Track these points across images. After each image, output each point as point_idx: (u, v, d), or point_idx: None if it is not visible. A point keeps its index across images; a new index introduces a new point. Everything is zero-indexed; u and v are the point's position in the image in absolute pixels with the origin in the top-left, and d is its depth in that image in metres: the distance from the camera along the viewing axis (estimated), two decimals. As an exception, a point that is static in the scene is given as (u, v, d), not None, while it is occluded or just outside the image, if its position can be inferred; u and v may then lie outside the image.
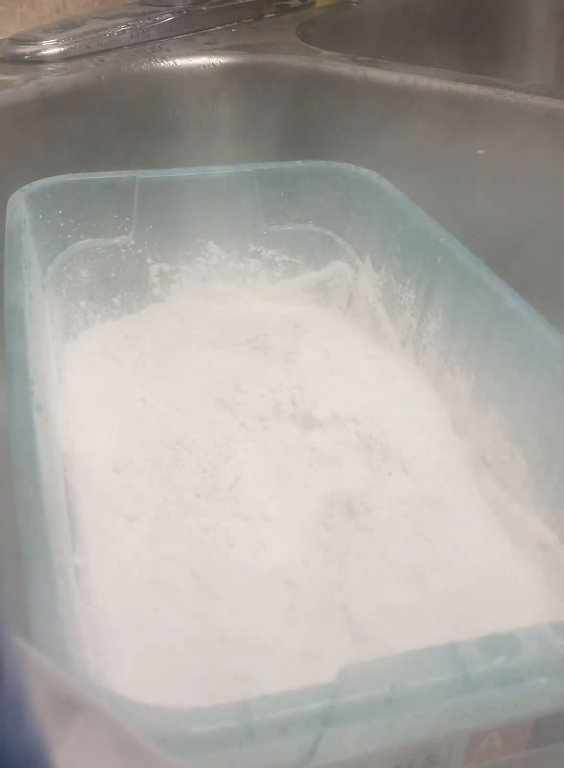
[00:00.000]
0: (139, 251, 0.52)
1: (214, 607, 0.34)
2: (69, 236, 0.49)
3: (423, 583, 0.36)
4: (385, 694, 0.22)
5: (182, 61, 0.61)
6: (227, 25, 0.69)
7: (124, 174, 0.50)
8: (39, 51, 0.60)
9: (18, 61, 0.59)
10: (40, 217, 0.48)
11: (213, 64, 0.61)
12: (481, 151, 0.52)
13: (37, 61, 0.59)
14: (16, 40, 0.61)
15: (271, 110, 0.61)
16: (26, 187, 0.47)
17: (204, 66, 0.61)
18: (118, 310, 0.53)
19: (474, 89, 0.54)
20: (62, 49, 0.60)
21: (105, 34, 0.62)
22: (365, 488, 0.40)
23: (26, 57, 0.59)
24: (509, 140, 0.51)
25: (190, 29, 0.67)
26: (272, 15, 0.74)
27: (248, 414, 0.45)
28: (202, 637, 0.33)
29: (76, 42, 0.60)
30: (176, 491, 0.40)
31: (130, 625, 0.33)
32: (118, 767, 0.17)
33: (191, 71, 0.61)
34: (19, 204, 0.46)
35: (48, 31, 0.61)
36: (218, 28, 0.69)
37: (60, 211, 0.49)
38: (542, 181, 0.51)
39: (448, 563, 0.37)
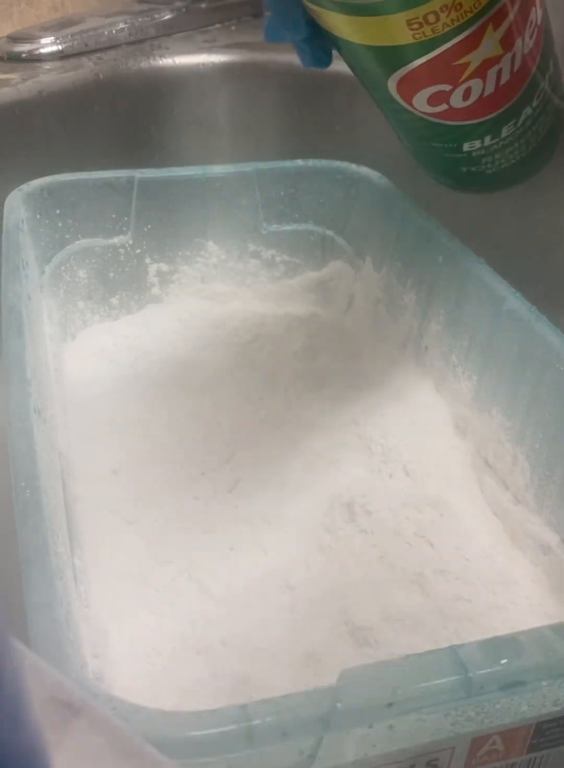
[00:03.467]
0: (138, 251, 0.52)
1: (213, 610, 0.34)
2: (67, 236, 0.49)
3: (424, 585, 0.35)
4: (386, 698, 0.22)
5: (181, 60, 0.61)
6: (226, 23, 0.69)
7: (122, 173, 0.50)
8: (37, 49, 0.59)
9: (16, 59, 0.59)
10: (38, 216, 0.48)
11: (212, 62, 0.61)
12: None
13: (35, 59, 0.59)
14: (14, 39, 0.60)
15: (271, 109, 0.61)
16: (24, 186, 0.47)
17: (203, 64, 0.61)
18: (116, 310, 0.53)
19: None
20: (60, 47, 0.60)
21: (103, 32, 0.61)
22: (366, 490, 0.40)
23: (24, 55, 0.59)
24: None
25: (189, 27, 0.66)
26: (272, 14, 0.74)
27: (248, 415, 0.45)
28: (201, 640, 0.33)
29: (74, 40, 0.60)
30: (176, 493, 0.40)
31: (129, 628, 0.33)
32: (116, 772, 0.17)
33: (190, 69, 0.61)
34: (16, 204, 0.46)
35: (46, 30, 0.61)
36: (217, 26, 0.69)
37: (58, 211, 0.48)
38: (542, 181, 0.51)
39: (450, 566, 0.36)
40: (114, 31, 0.62)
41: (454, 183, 0.45)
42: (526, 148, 0.42)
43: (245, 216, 0.53)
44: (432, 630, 0.33)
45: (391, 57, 0.37)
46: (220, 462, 0.42)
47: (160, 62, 0.60)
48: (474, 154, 0.41)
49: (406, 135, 0.43)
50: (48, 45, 0.59)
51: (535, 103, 0.40)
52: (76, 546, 0.34)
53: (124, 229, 0.51)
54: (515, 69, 0.38)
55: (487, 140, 0.40)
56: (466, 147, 0.40)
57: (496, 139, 0.40)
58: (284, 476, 0.41)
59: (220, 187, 0.52)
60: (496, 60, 0.37)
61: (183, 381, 0.47)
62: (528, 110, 0.40)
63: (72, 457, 0.40)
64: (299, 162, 0.53)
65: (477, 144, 0.40)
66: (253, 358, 0.49)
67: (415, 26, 0.35)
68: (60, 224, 0.49)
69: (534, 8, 0.37)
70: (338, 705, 0.22)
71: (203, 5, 0.67)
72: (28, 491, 0.28)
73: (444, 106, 0.38)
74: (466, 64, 0.36)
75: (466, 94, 0.38)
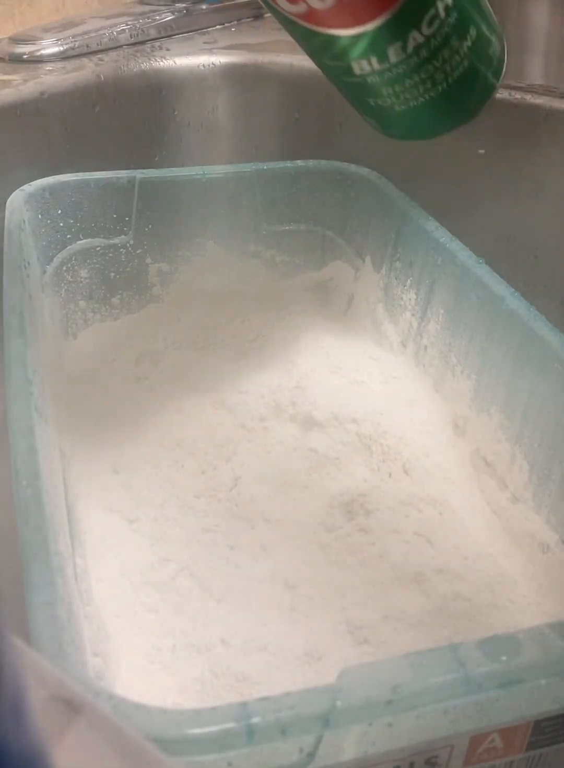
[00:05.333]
0: (139, 251, 0.52)
1: (214, 609, 0.34)
2: (68, 236, 0.49)
3: (423, 584, 0.35)
4: (386, 696, 0.22)
5: (182, 61, 0.61)
6: (227, 25, 0.69)
7: (123, 174, 0.50)
8: (38, 50, 0.59)
9: (17, 60, 0.59)
10: (40, 216, 0.48)
11: (213, 63, 0.61)
12: (481, 151, 0.52)
13: (37, 60, 0.59)
14: (16, 40, 0.60)
15: (271, 110, 0.61)
16: (25, 186, 0.47)
17: (204, 65, 0.61)
18: (117, 310, 0.53)
19: (474, 89, 0.53)
20: (61, 48, 0.60)
21: (104, 34, 0.62)
22: (365, 489, 0.40)
23: (25, 56, 0.59)
24: (509, 140, 0.51)
25: (190, 28, 0.66)
26: (272, 14, 0.74)
27: (248, 415, 0.45)
28: (202, 639, 0.33)
29: (76, 41, 0.60)
30: (176, 492, 0.40)
31: (130, 626, 0.33)
32: (117, 769, 0.17)
33: (191, 71, 0.61)
34: (18, 204, 0.46)
35: (47, 31, 0.61)
36: (218, 27, 0.69)
37: (59, 211, 0.49)
38: (542, 181, 0.51)
39: (449, 564, 0.36)
40: (115, 33, 0.62)
41: (372, 120, 0.44)
42: (433, 88, 0.40)
43: (245, 216, 0.53)
44: (431, 628, 0.34)
45: None
46: (220, 460, 0.42)
47: (161, 63, 0.60)
48: (369, 80, 0.40)
49: (304, 52, 0.41)
50: (49, 46, 0.59)
51: (426, 31, 0.38)
52: (77, 545, 0.34)
53: (125, 229, 0.51)
54: None
55: (375, 63, 0.39)
56: (356, 69, 0.39)
57: (385, 63, 0.38)
58: (284, 475, 0.41)
59: (221, 187, 0.52)
60: None
61: (183, 380, 0.47)
62: (417, 37, 0.38)
63: (73, 456, 0.40)
64: (299, 162, 0.53)
65: (366, 66, 0.39)
66: (254, 358, 0.49)
67: None
68: (61, 224, 0.49)
69: None
70: (338, 703, 0.22)
71: (204, 7, 0.68)
72: (29, 490, 0.28)
73: (303, 7, 0.37)
74: None
75: None
